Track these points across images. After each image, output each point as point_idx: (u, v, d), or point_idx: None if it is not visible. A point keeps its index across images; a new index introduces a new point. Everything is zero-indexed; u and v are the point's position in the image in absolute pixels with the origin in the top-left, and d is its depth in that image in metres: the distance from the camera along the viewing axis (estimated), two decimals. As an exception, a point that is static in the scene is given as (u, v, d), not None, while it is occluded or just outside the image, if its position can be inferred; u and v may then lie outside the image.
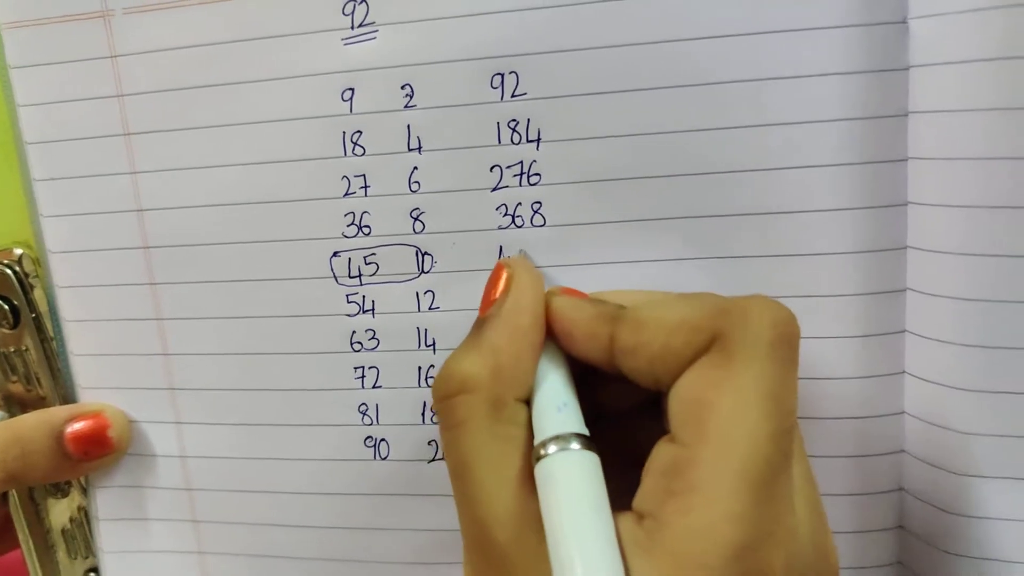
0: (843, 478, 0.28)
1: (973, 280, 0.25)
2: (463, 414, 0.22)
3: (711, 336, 0.21)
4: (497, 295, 0.24)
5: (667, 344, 0.21)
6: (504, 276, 0.24)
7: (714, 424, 0.20)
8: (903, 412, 0.27)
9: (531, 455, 0.22)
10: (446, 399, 0.22)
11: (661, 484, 0.20)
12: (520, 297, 0.24)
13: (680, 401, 0.21)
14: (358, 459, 0.30)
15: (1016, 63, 0.23)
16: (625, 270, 0.27)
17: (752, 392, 0.20)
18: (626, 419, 0.24)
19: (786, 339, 0.21)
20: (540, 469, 0.21)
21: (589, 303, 0.24)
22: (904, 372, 0.27)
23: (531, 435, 0.22)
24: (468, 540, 0.22)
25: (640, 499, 0.21)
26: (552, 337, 0.24)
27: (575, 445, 0.21)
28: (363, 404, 0.30)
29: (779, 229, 0.26)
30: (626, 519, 0.20)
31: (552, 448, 0.21)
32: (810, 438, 0.27)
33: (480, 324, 0.24)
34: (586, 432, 0.22)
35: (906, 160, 0.26)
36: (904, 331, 0.27)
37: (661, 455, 0.21)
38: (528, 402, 0.23)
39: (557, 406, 0.22)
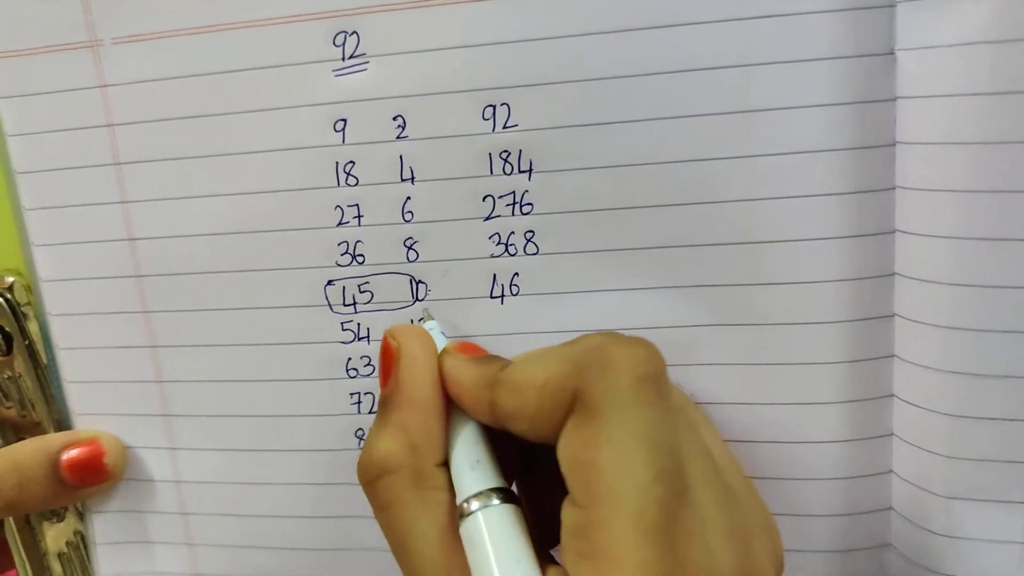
0: (833, 498, 0.28)
1: (958, 308, 0.25)
2: (388, 495, 0.23)
3: (573, 394, 0.21)
4: (386, 370, 0.24)
5: (539, 407, 0.21)
6: (392, 349, 0.24)
7: (599, 482, 0.20)
8: (892, 435, 0.28)
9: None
10: (370, 484, 0.23)
11: (572, 546, 0.20)
12: (413, 370, 0.24)
13: (566, 463, 0.21)
14: (354, 483, 0.30)
15: (1001, 98, 0.24)
16: (617, 298, 0.28)
17: (626, 443, 0.20)
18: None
19: (648, 379, 0.21)
20: (464, 529, 0.22)
21: (474, 365, 0.24)
22: (892, 396, 0.27)
23: (454, 494, 0.23)
24: None
25: (562, 559, 0.21)
26: None
27: (495, 500, 0.22)
28: (360, 429, 0.30)
29: (767, 258, 0.27)
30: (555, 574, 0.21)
31: (474, 504, 0.22)
32: (801, 462, 0.28)
33: (384, 403, 0.24)
34: (502, 484, 0.22)
35: (893, 189, 0.26)
36: (892, 356, 0.27)
37: (567, 516, 0.21)
38: (447, 463, 0.23)
39: (471, 464, 0.23)
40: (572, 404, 0.21)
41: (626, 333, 0.27)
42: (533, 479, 0.25)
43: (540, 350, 0.24)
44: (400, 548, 0.23)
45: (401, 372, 0.24)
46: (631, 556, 0.19)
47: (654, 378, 0.21)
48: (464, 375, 0.24)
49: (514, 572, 0.21)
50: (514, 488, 0.23)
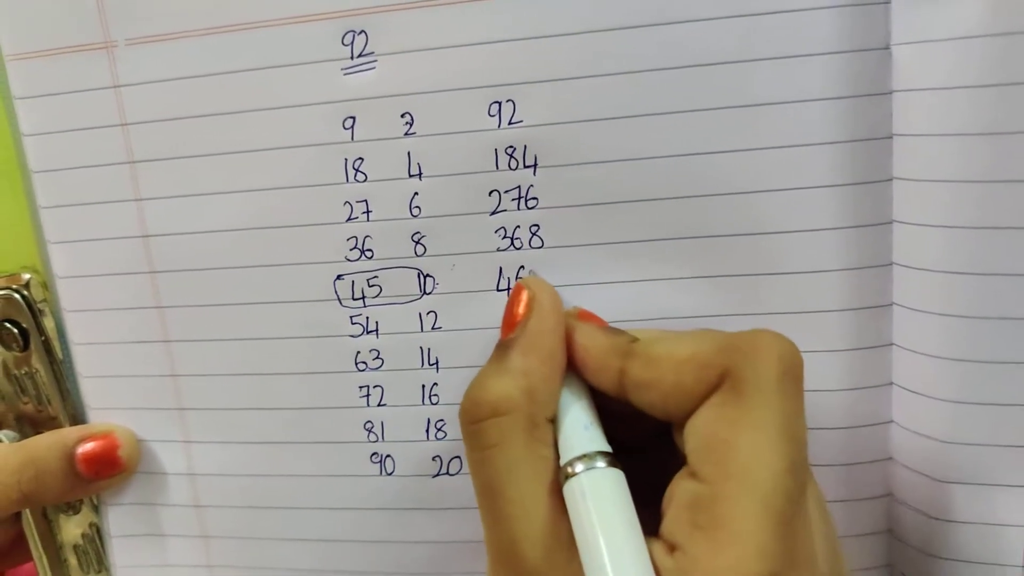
0: (834, 485, 0.28)
1: (955, 296, 0.26)
2: (496, 436, 0.23)
3: (721, 373, 0.21)
4: (519, 316, 0.24)
5: (678, 381, 0.22)
6: (525, 297, 0.25)
7: (734, 462, 0.20)
8: (891, 421, 0.28)
9: (558, 474, 0.22)
10: (477, 422, 0.23)
11: (685, 517, 0.21)
12: (544, 319, 0.24)
13: (698, 438, 0.21)
14: (364, 475, 0.31)
15: (994, 90, 0.24)
16: (622, 289, 0.28)
17: (768, 429, 0.20)
18: (635, 452, 0.25)
19: (792, 372, 0.21)
20: (570, 487, 0.22)
21: (603, 333, 0.24)
22: (892, 383, 0.28)
23: (558, 455, 0.23)
24: (497, 557, 0.22)
25: (667, 530, 0.21)
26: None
27: (600, 463, 0.22)
28: (369, 422, 0.31)
29: (769, 248, 0.27)
30: (657, 546, 0.21)
31: (580, 467, 0.22)
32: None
33: (505, 346, 0.24)
34: (610, 450, 0.23)
35: (891, 180, 0.26)
36: (891, 344, 0.28)
37: (683, 490, 0.21)
38: (554, 422, 0.24)
39: (584, 425, 0.23)
40: (717, 382, 0.21)
41: (630, 325, 0.28)
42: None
43: (664, 331, 0.25)
44: (494, 491, 0.22)
45: (532, 319, 0.24)
46: (753, 536, 0.19)
47: (796, 372, 0.22)
48: (593, 341, 0.24)
49: (624, 534, 0.21)
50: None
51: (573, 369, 0.25)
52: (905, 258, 0.27)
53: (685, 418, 0.22)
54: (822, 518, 0.22)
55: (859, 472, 0.29)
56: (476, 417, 0.23)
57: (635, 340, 0.24)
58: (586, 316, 0.25)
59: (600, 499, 0.21)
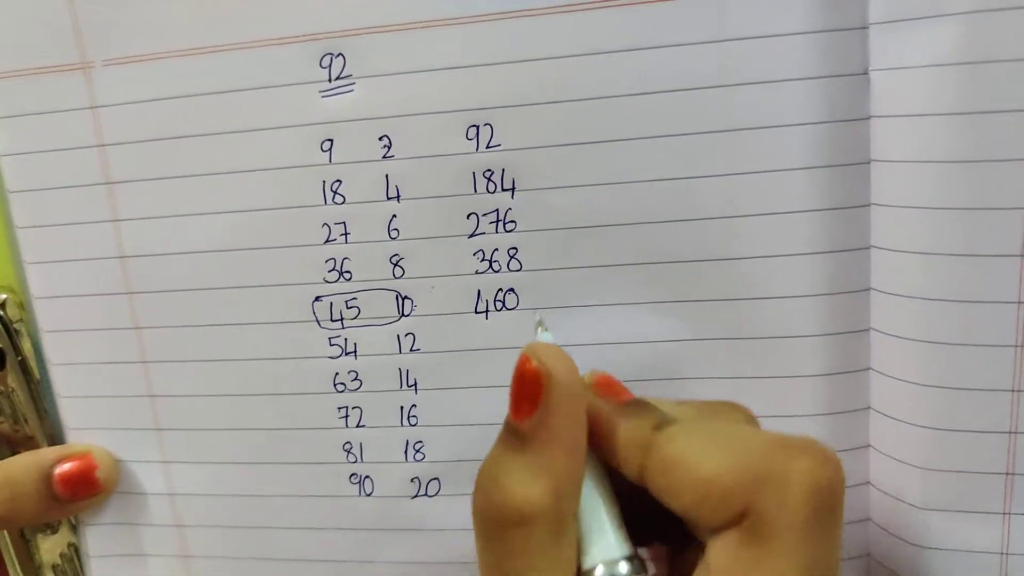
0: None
1: (933, 322, 0.26)
2: (522, 544, 0.20)
3: (743, 510, 0.19)
4: (531, 396, 0.21)
5: (697, 503, 0.19)
6: (538, 374, 0.21)
7: None
8: (868, 446, 0.28)
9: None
10: (502, 528, 0.20)
11: None
12: (564, 402, 0.21)
13: (715, 567, 0.19)
14: (343, 495, 0.31)
15: (968, 117, 0.24)
16: (600, 313, 0.28)
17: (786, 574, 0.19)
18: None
19: (826, 508, 0.19)
20: None
21: (626, 419, 0.21)
22: (869, 408, 0.28)
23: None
24: None
25: None
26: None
27: (623, 569, 0.20)
28: (347, 443, 0.31)
29: (746, 273, 0.27)
30: None
31: (600, 572, 0.20)
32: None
33: (525, 438, 0.21)
34: (633, 552, 0.21)
35: (868, 206, 0.27)
36: (868, 369, 0.28)
37: None
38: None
39: (601, 526, 0.21)
40: (738, 518, 0.19)
41: (608, 349, 0.28)
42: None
43: (685, 410, 0.22)
44: None
45: (551, 403, 0.20)
46: None
47: (834, 505, 0.19)
48: (618, 428, 0.21)
49: None
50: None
51: (591, 448, 0.22)
52: (883, 284, 0.27)
53: (706, 534, 0.20)
54: None
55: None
56: (503, 522, 0.20)
57: (659, 424, 0.21)
58: (604, 384, 0.22)
59: None
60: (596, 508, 0.21)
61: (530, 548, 0.20)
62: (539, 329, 0.24)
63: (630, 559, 0.21)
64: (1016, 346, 0.25)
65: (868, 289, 0.27)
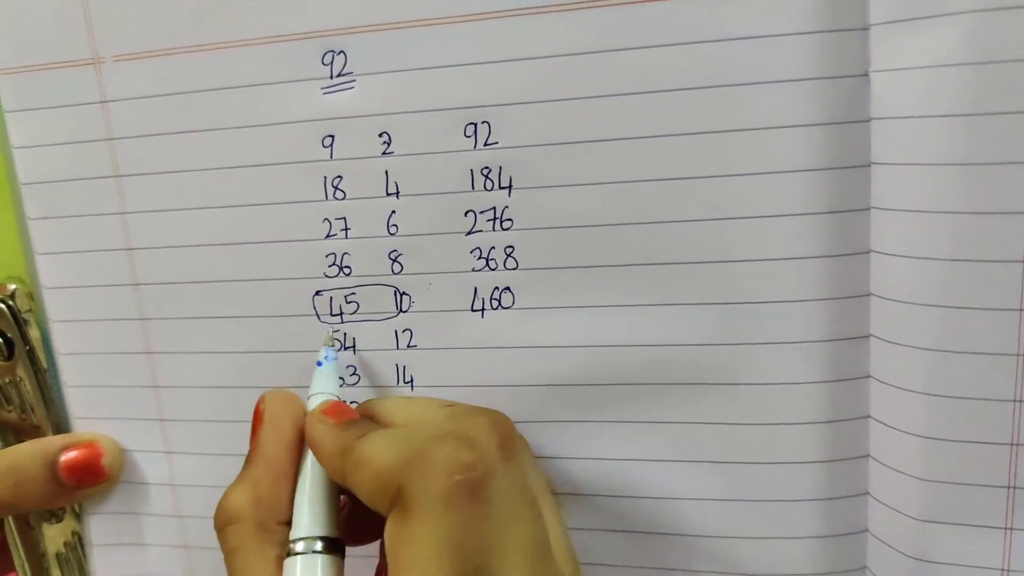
0: (811, 520, 0.28)
1: (933, 329, 0.25)
2: (233, 542, 0.25)
3: (396, 491, 0.23)
4: (252, 430, 0.27)
5: (371, 491, 0.24)
6: (259, 413, 0.27)
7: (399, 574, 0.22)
8: (867, 456, 0.28)
9: None
10: (219, 530, 0.26)
11: None
12: (270, 431, 0.27)
13: (385, 546, 0.23)
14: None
15: (968, 120, 0.24)
16: (596, 314, 0.28)
17: (427, 544, 0.22)
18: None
19: (464, 486, 0.23)
20: (286, 566, 0.24)
21: (334, 432, 0.26)
22: (868, 417, 0.27)
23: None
24: None
25: None
26: None
27: (319, 546, 0.25)
28: (344, 438, 0.31)
29: (742, 276, 0.27)
30: None
31: (300, 547, 0.25)
32: (779, 479, 0.28)
33: (246, 459, 0.27)
34: (331, 534, 0.25)
35: (868, 210, 0.26)
36: (868, 377, 0.27)
37: None
38: (290, 523, 0.26)
39: (306, 510, 0.25)
40: (394, 499, 0.23)
41: (605, 350, 0.28)
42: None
43: (407, 411, 0.27)
44: None
45: (261, 433, 0.27)
46: None
47: (471, 485, 0.23)
48: (323, 440, 0.26)
49: None
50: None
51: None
52: (882, 290, 0.26)
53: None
54: None
55: (835, 506, 0.28)
56: (218, 524, 0.26)
57: (363, 433, 0.25)
58: (332, 410, 0.27)
59: None
60: (312, 500, 0.26)
61: (240, 545, 0.25)
62: (325, 344, 0.30)
63: (327, 539, 0.25)
64: (1018, 355, 0.25)
65: (868, 295, 0.27)
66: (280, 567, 0.25)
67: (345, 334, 0.30)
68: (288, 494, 0.26)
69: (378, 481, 0.23)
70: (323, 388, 0.28)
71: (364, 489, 0.24)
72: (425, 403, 0.28)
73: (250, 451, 0.27)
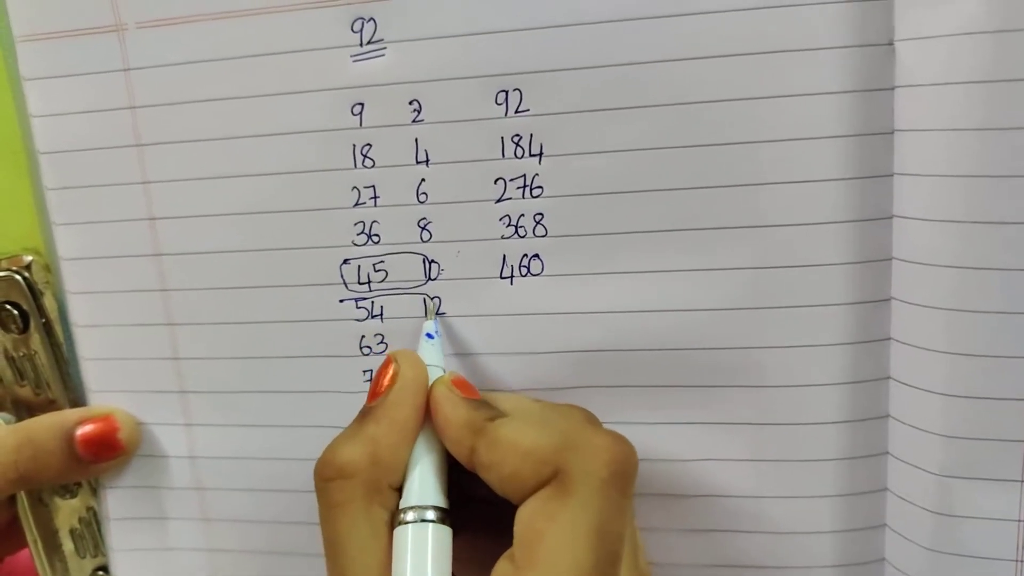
0: (832, 480, 0.29)
1: (953, 290, 0.26)
2: (340, 497, 0.25)
3: (554, 470, 0.23)
4: (380, 388, 0.26)
5: (517, 470, 0.24)
6: (391, 371, 0.26)
7: (543, 552, 0.22)
8: (888, 416, 0.28)
9: None
10: (325, 481, 0.25)
11: None
12: (402, 392, 0.26)
13: (521, 524, 0.23)
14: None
15: (993, 86, 0.25)
16: (624, 280, 0.28)
17: (580, 526, 0.22)
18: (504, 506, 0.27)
19: (620, 476, 0.23)
20: (396, 534, 0.24)
21: (465, 407, 0.26)
22: (889, 378, 0.28)
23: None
24: None
25: None
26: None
27: (430, 515, 0.24)
28: (370, 407, 0.31)
29: (771, 241, 0.27)
30: None
31: (410, 516, 0.24)
32: (799, 442, 0.29)
33: (364, 414, 0.26)
34: (443, 504, 0.25)
35: (892, 176, 0.27)
36: (889, 339, 0.28)
37: (502, 569, 0.23)
38: (400, 489, 0.25)
39: (420, 479, 0.25)
40: (549, 478, 0.23)
41: (631, 316, 0.29)
42: (475, 517, 0.26)
43: (530, 408, 0.27)
44: (335, 549, 0.25)
45: (395, 391, 0.26)
46: None
47: (627, 476, 0.24)
48: (454, 412, 0.25)
49: None
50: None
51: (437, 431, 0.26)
52: (904, 253, 0.27)
53: (519, 504, 0.24)
54: None
55: (854, 466, 0.29)
56: (324, 476, 0.25)
57: (495, 417, 0.25)
58: (460, 384, 0.27)
59: (419, 550, 0.24)
60: (425, 467, 0.25)
61: (345, 501, 0.25)
62: (428, 314, 0.29)
63: (438, 509, 0.24)
64: (1036, 313, 0.26)
65: (890, 258, 0.27)
66: (387, 531, 0.24)
67: (372, 302, 0.30)
68: (406, 459, 0.26)
69: (529, 459, 0.23)
70: (436, 361, 0.28)
71: (505, 469, 0.24)
72: (521, 398, 0.28)
73: (371, 407, 0.26)
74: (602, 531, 0.23)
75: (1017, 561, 0.27)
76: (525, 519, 0.23)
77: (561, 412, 0.26)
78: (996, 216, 0.25)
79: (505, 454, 0.24)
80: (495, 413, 0.25)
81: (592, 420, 0.26)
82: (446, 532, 0.24)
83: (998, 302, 0.26)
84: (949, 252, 0.26)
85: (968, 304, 0.26)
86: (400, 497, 0.25)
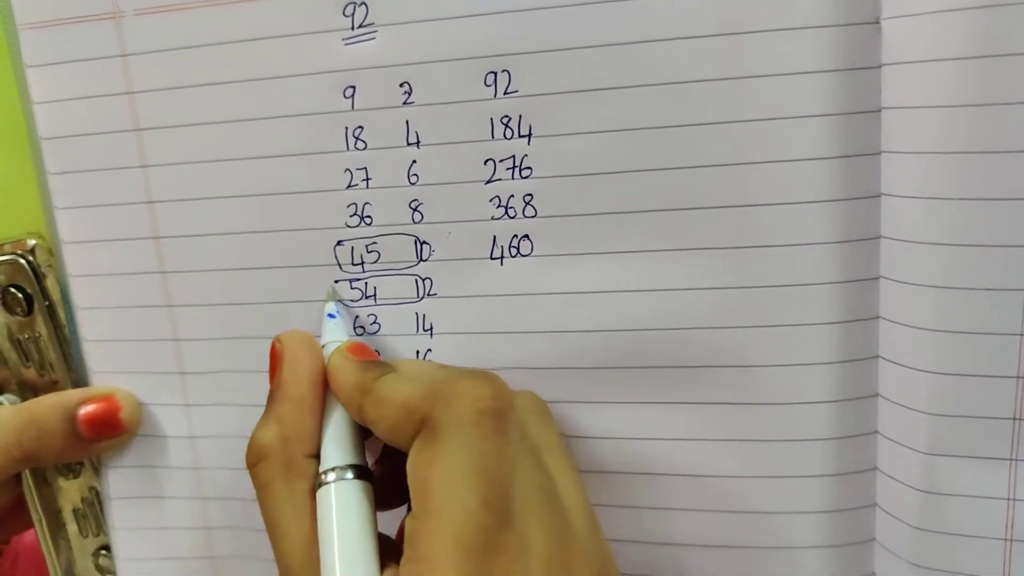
0: (821, 460, 0.29)
1: (940, 268, 0.26)
2: (263, 477, 0.26)
3: (422, 418, 0.24)
4: (271, 370, 0.28)
5: (396, 423, 0.25)
6: (277, 352, 0.28)
7: (430, 499, 0.23)
8: (877, 395, 0.28)
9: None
10: (250, 467, 0.27)
11: (406, 552, 0.23)
12: (294, 368, 0.27)
13: (409, 477, 0.24)
14: (359, 438, 0.32)
15: (979, 62, 0.25)
16: (613, 260, 0.29)
17: (457, 467, 0.23)
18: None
19: (489, 413, 0.24)
20: (319, 495, 0.25)
21: (355, 369, 0.27)
22: (878, 356, 0.28)
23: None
24: (279, 573, 0.26)
25: (398, 563, 0.23)
26: None
27: (349, 474, 0.25)
28: (364, 387, 0.31)
29: (758, 221, 0.28)
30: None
31: (331, 476, 0.25)
32: (788, 424, 0.29)
33: (268, 398, 0.28)
34: (359, 462, 0.26)
35: (879, 154, 0.27)
36: (878, 318, 0.28)
37: (407, 525, 0.23)
38: (318, 456, 0.27)
39: (333, 442, 0.26)
40: (419, 426, 0.24)
41: (621, 296, 0.29)
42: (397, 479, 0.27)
43: (419, 366, 0.28)
44: (269, 526, 0.26)
45: (283, 371, 0.28)
46: (447, 569, 0.22)
47: (495, 413, 0.24)
48: (344, 376, 0.27)
49: (356, 539, 0.24)
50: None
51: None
52: (892, 230, 0.27)
53: (405, 451, 0.24)
54: (547, 535, 0.23)
55: (844, 446, 0.29)
56: (248, 462, 0.27)
57: (382, 375, 0.26)
58: (356, 349, 0.28)
59: (343, 507, 0.25)
60: (334, 433, 0.27)
61: (267, 481, 0.26)
62: (328, 299, 0.30)
63: (356, 467, 0.26)
64: None
65: (878, 237, 0.28)
66: (309, 500, 0.25)
67: (366, 283, 0.31)
68: (314, 428, 0.27)
69: (402, 411, 0.24)
70: (337, 337, 0.29)
71: (386, 423, 0.25)
72: (424, 363, 0.30)
73: (272, 391, 0.28)
74: (481, 470, 0.23)
75: (1006, 540, 0.27)
76: (410, 470, 0.24)
77: (446, 369, 0.27)
78: (985, 193, 0.25)
79: (386, 409, 0.25)
80: (384, 371, 0.26)
81: (465, 371, 0.26)
82: (365, 487, 0.25)
83: (985, 278, 0.26)
84: (938, 229, 0.26)
85: (955, 281, 0.26)
86: (317, 464, 0.26)
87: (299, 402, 0.27)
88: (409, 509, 0.24)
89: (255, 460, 0.27)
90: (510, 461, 0.24)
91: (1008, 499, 0.27)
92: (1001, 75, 0.25)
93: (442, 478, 0.23)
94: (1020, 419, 0.27)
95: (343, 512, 0.25)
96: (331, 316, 0.30)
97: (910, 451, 0.28)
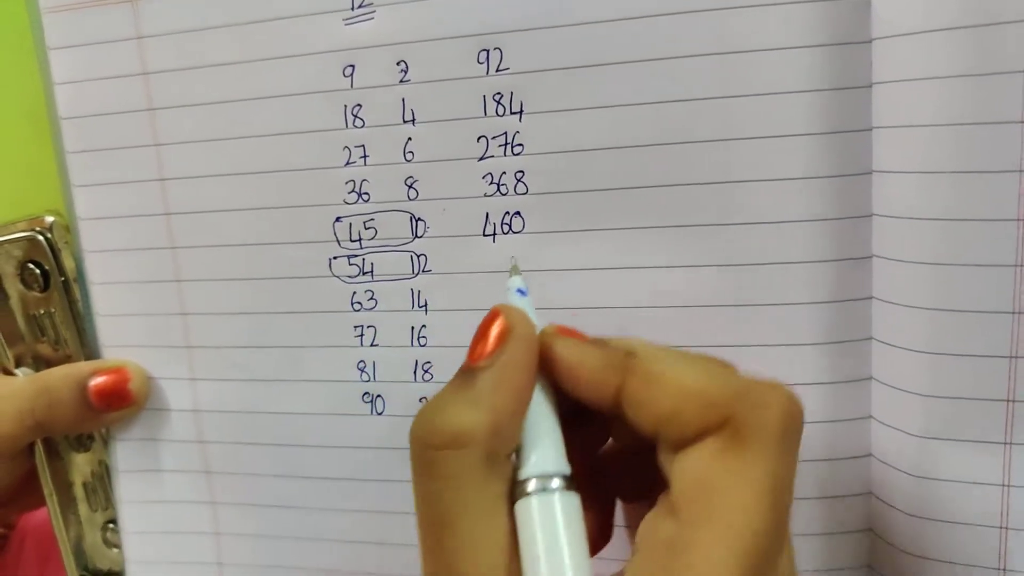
0: (816, 448, 0.28)
1: (931, 244, 0.26)
2: (453, 468, 0.21)
3: (725, 417, 0.21)
4: (491, 345, 0.23)
5: (677, 409, 0.21)
6: (500, 327, 0.23)
7: (721, 510, 0.20)
8: (871, 379, 0.28)
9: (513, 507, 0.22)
10: (433, 449, 0.22)
11: (658, 560, 0.20)
12: (518, 353, 0.23)
13: (686, 475, 0.21)
14: (357, 414, 0.32)
15: (968, 32, 0.24)
16: (602, 237, 0.29)
17: (762, 485, 0.20)
18: (613, 457, 0.25)
19: (795, 432, 0.22)
20: (521, 506, 0.21)
21: (595, 348, 0.23)
22: (871, 338, 0.28)
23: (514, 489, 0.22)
24: None
25: (638, 566, 0.21)
26: (546, 376, 0.23)
27: (555, 484, 0.22)
28: (361, 361, 0.32)
29: (749, 197, 0.27)
30: None
31: (533, 485, 0.21)
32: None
33: (473, 374, 0.22)
34: (568, 471, 0.22)
35: (871, 129, 0.27)
36: (871, 298, 0.28)
37: (660, 528, 0.21)
38: (515, 454, 0.23)
39: (541, 445, 0.22)
40: (718, 425, 0.21)
41: (613, 273, 0.29)
42: (596, 471, 0.25)
43: (671, 351, 0.23)
44: (443, 527, 0.21)
45: (507, 352, 0.22)
46: None
47: (799, 432, 0.22)
48: (587, 356, 0.23)
49: (566, 564, 0.20)
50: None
51: (544, 385, 0.23)
52: (884, 208, 0.27)
53: (676, 449, 0.22)
54: (789, 571, 0.22)
55: (839, 429, 0.28)
56: (433, 444, 0.22)
57: (631, 352, 0.23)
58: (566, 332, 0.24)
59: (549, 522, 0.21)
60: (541, 430, 0.23)
61: (459, 473, 0.21)
62: (511, 273, 0.26)
63: (564, 477, 0.22)
64: (1016, 265, 0.25)
65: (871, 215, 0.27)
66: (505, 506, 0.22)
67: (363, 259, 0.31)
68: (521, 427, 0.23)
69: (696, 401, 0.21)
70: (533, 319, 0.25)
71: (662, 406, 0.21)
72: (631, 339, 0.24)
73: (481, 368, 0.22)
74: (779, 491, 0.21)
75: (1001, 528, 0.27)
76: (693, 469, 0.21)
77: (700, 356, 0.23)
78: (976, 165, 0.25)
79: (663, 391, 0.22)
80: (630, 348, 0.23)
81: (769, 381, 0.22)
82: (575, 499, 0.22)
83: (977, 254, 0.25)
84: (930, 205, 0.26)
85: (948, 258, 0.26)
86: (512, 467, 0.22)
87: (518, 393, 0.22)
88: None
89: (446, 444, 0.21)
90: (793, 487, 0.22)
91: (1003, 484, 0.26)
92: (994, 45, 0.24)
93: (743, 492, 0.20)
94: (1013, 400, 0.26)
95: (568, 527, 0.21)
96: (521, 293, 0.25)
97: (904, 435, 0.27)
